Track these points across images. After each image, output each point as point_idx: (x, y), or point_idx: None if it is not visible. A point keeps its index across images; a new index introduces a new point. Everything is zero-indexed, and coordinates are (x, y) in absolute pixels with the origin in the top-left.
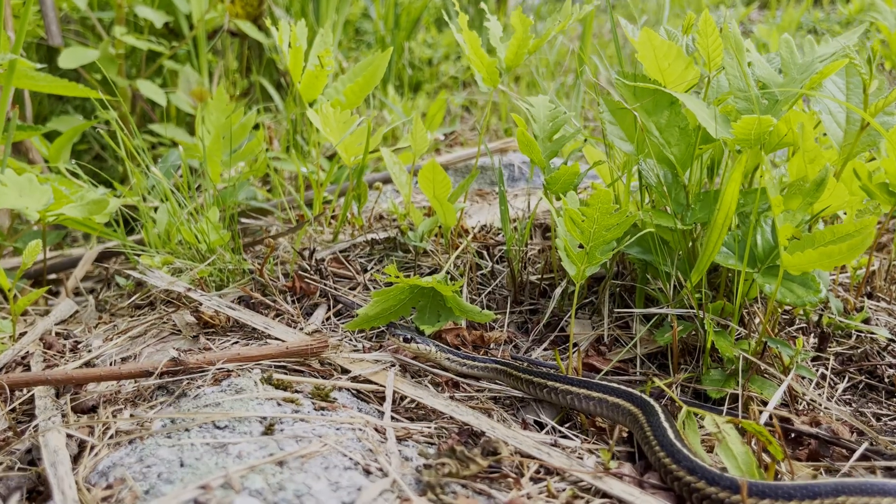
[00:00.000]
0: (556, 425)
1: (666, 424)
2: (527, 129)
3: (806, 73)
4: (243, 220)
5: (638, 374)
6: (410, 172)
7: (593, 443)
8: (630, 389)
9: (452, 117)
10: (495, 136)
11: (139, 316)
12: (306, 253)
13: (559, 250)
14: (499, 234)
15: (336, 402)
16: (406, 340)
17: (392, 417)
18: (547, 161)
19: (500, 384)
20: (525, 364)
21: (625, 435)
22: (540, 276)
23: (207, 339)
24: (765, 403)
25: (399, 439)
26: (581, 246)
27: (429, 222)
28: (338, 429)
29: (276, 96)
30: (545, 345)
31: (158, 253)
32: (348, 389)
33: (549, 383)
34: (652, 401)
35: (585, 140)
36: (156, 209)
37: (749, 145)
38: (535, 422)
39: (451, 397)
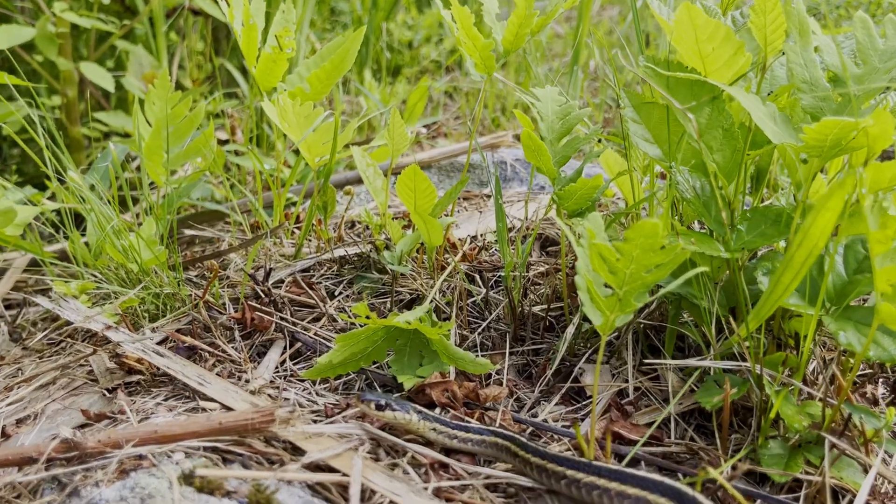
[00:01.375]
0: None
1: None
2: (533, 129)
3: (892, 62)
4: (187, 231)
5: (673, 441)
6: (388, 173)
7: None
8: (678, 486)
9: (434, 105)
10: (482, 126)
11: (52, 356)
12: (261, 273)
13: (580, 291)
14: (492, 249)
15: None
16: (379, 407)
17: None
18: (557, 169)
19: (502, 462)
20: (530, 432)
21: None
22: (545, 307)
23: (127, 396)
24: (835, 488)
25: None
26: (608, 286)
27: (409, 240)
28: None
29: (241, 81)
30: (555, 399)
31: (80, 276)
32: (301, 483)
33: (569, 473)
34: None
35: (600, 140)
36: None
37: (820, 153)
38: None
39: (437, 490)
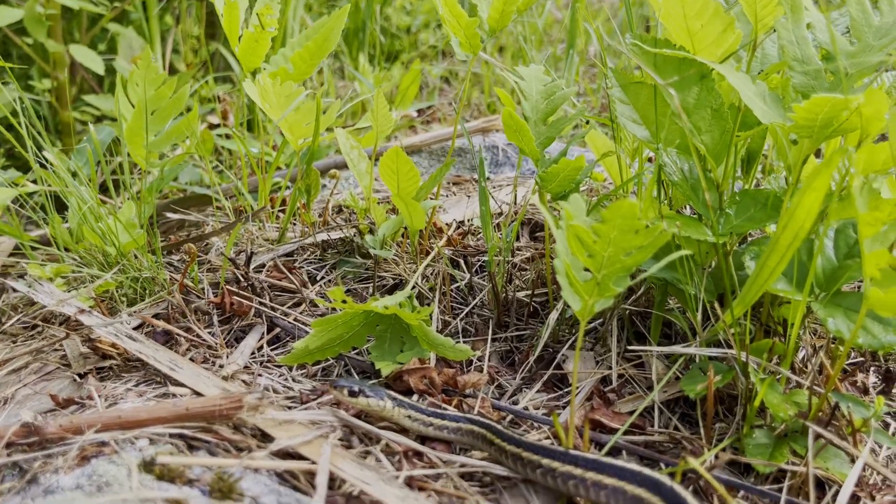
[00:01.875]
0: None
1: None
2: (515, 108)
3: (887, 38)
4: (171, 214)
5: (657, 430)
6: (373, 158)
7: None
8: (655, 476)
9: (430, 90)
10: (477, 111)
11: (26, 340)
12: (242, 258)
13: (558, 275)
14: (478, 234)
15: (244, 499)
16: (352, 394)
17: None
18: (541, 151)
19: (478, 450)
20: (510, 420)
21: None
22: (530, 293)
23: (98, 381)
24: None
25: None
26: (588, 270)
27: (392, 223)
28: None
29: (235, 65)
30: (537, 386)
31: (61, 260)
32: (268, 471)
33: (544, 462)
34: (688, 496)
35: (588, 122)
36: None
37: (810, 134)
38: None
39: (410, 479)
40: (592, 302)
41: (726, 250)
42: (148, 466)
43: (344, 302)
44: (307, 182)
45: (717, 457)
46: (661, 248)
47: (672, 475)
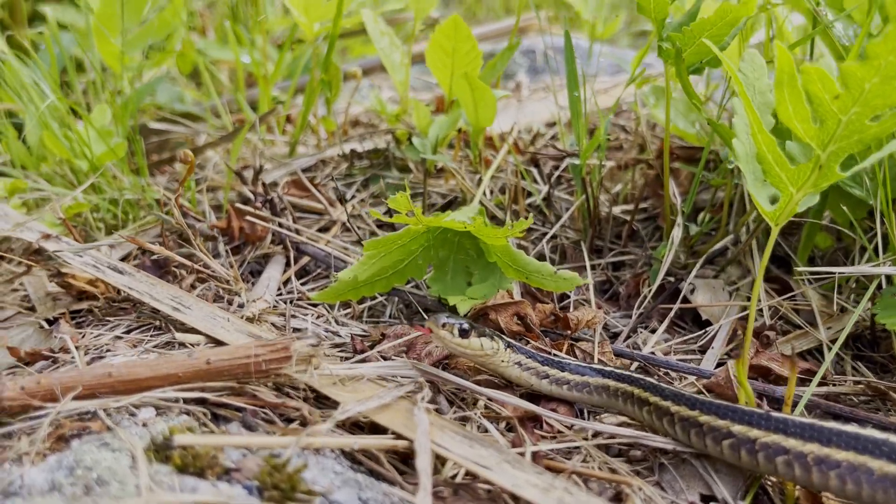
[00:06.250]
0: None
1: None
2: None
3: None
4: (153, 125)
5: (836, 377)
6: (411, 44)
7: None
8: None
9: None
10: (496, 19)
11: None
12: (249, 173)
13: (740, 162)
14: (539, 144)
15: (314, 499)
16: (463, 333)
17: None
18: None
19: (615, 412)
20: (636, 369)
21: None
22: (631, 209)
23: (75, 328)
24: None
25: None
26: (780, 157)
27: (445, 122)
28: None
29: None
30: (663, 327)
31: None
32: (335, 452)
33: (737, 430)
34: None
35: None
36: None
37: None
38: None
39: (536, 455)
40: (801, 195)
41: None
42: (161, 451)
43: (410, 214)
44: (327, 79)
45: None
46: None
47: None
